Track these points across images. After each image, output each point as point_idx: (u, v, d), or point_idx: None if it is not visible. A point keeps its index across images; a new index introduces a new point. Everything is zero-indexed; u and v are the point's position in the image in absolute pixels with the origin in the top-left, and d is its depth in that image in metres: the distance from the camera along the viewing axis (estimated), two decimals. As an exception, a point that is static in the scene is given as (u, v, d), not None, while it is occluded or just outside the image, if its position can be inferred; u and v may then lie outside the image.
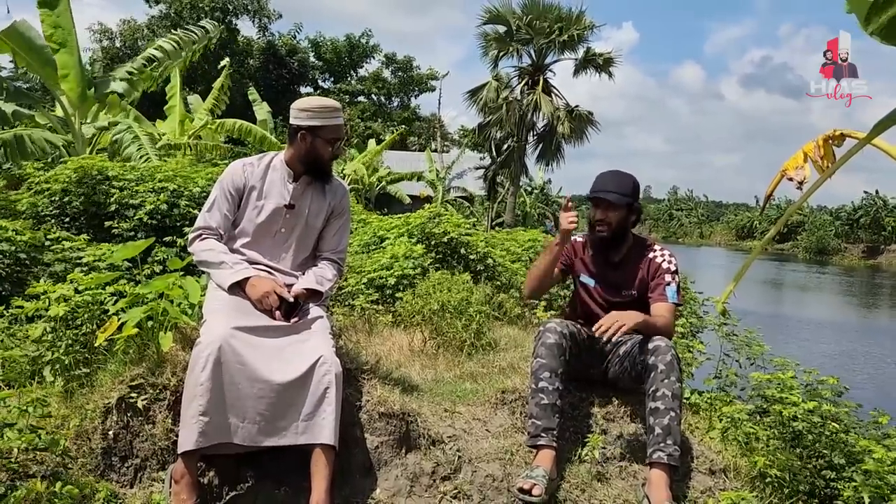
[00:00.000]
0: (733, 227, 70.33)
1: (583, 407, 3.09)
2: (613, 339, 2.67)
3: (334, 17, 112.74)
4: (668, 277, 2.98)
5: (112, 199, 5.28)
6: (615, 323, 2.65)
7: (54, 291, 2.87)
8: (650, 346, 2.80)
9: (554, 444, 2.71)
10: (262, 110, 17.35)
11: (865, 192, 54.18)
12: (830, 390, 3.45)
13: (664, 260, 3.03)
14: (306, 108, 2.74)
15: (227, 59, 12.81)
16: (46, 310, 2.89)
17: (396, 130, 31.24)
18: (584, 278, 3.14)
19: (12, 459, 2.25)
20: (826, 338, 16.15)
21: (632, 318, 2.71)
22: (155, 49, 10.04)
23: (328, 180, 2.90)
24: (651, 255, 3.07)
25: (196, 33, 10.33)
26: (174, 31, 10.42)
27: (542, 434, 2.71)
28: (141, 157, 7.68)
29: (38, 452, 2.33)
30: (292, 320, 2.61)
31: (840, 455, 3.17)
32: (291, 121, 2.78)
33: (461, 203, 26.65)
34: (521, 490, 2.54)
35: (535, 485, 2.53)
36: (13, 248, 4.20)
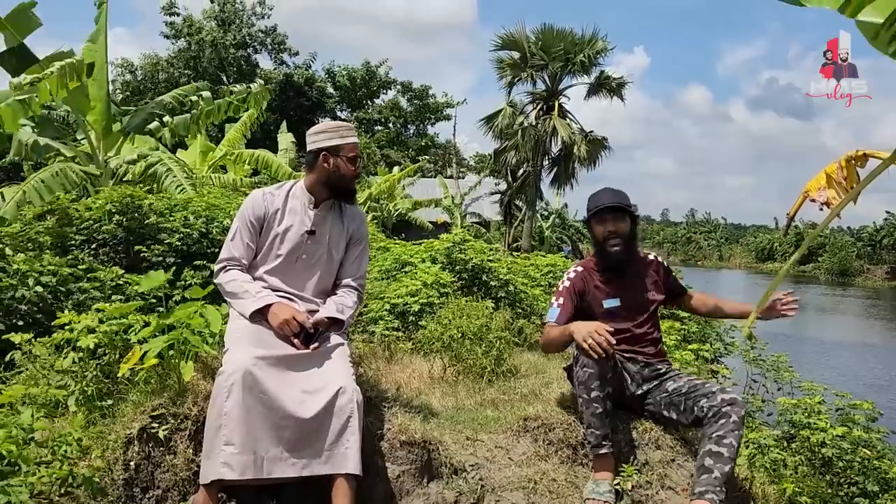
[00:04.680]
0: (753, 250, 69.64)
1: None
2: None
3: (338, 46, 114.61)
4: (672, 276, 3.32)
5: (145, 225, 5.35)
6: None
7: (79, 322, 2.89)
8: (725, 396, 2.72)
9: (613, 450, 2.80)
10: (284, 140, 17.57)
11: (888, 213, 53.57)
12: (863, 415, 3.38)
13: (664, 261, 3.32)
14: (323, 129, 2.82)
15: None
16: (68, 342, 2.91)
17: (412, 158, 31.38)
18: (608, 303, 3.07)
19: (45, 496, 2.26)
20: (860, 362, 15.81)
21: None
22: (193, 94, 9.87)
23: (352, 201, 2.93)
24: (651, 257, 3.28)
25: (239, 89, 10.01)
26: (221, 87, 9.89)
27: (604, 442, 2.76)
28: (178, 189, 7.79)
29: (71, 489, 2.34)
30: (311, 347, 2.61)
31: (873, 482, 3.09)
32: (310, 147, 2.84)
33: (477, 228, 26.68)
34: None
35: (605, 503, 2.65)
36: (55, 281, 4.22)
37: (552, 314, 3.05)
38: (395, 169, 28.45)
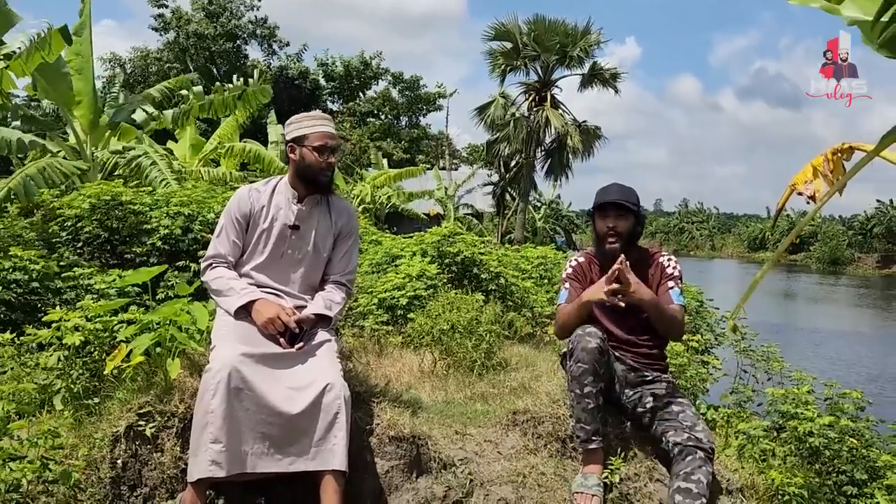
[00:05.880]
0: (745, 239, 69.91)
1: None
2: (621, 303, 2.72)
3: (329, 40, 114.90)
4: (671, 283, 2.98)
5: (126, 224, 5.31)
6: (632, 286, 2.70)
7: (69, 320, 2.87)
8: (695, 435, 2.73)
9: (602, 444, 2.80)
10: (275, 132, 17.47)
11: (878, 202, 53.84)
12: (851, 404, 3.39)
13: (669, 265, 3.03)
14: (291, 121, 2.82)
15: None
16: (59, 339, 2.89)
17: (404, 149, 31.20)
18: None
19: (22, 492, 2.24)
20: (850, 351, 15.92)
21: (647, 293, 2.78)
22: (183, 87, 9.80)
23: (328, 192, 2.89)
24: (660, 259, 3.06)
25: (234, 85, 9.87)
26: (218, 84, 9.64)
27: (594, 437, 2.78)
28: (162, 183, 7.73)
29: (48, 485, 2.32)
30: (296, 347, 2.60)
31: (861, 471, 3.11)
32: (285, 141, 2.83)
33: (470, 220, 26.67)
34: None
35: (594, 496, 2.66)
36: (27, 277, 4.22)
37: (562, 296, 3.09)
38: (384, 161, 28.33)
